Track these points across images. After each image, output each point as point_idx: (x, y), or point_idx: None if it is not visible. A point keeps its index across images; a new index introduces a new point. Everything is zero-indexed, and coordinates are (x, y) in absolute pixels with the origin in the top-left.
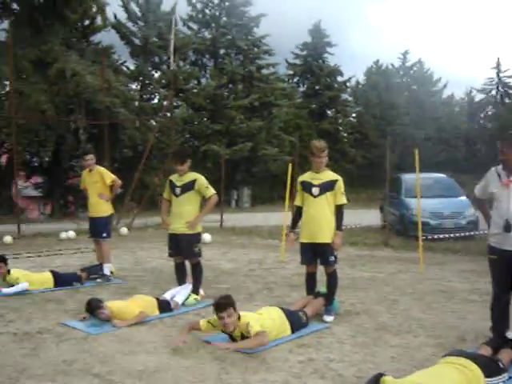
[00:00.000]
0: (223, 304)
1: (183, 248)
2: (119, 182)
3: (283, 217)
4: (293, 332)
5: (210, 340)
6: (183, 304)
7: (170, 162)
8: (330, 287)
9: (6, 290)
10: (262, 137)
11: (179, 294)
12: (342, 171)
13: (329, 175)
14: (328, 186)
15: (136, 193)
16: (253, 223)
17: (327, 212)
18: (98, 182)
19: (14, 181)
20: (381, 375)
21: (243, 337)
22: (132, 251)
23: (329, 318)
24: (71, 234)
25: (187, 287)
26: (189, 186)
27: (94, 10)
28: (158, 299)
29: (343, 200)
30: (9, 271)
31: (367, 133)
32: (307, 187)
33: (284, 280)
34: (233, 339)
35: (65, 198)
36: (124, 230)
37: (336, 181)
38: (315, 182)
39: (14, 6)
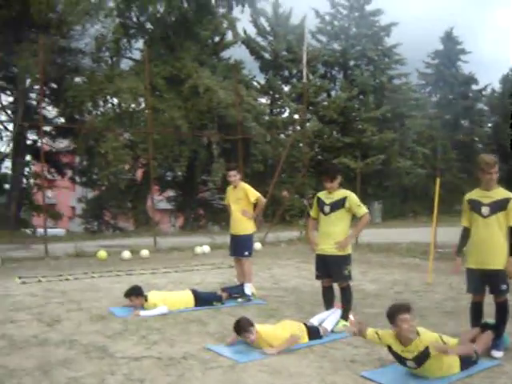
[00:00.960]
0: None
1: (332, 270)
2: (264, 200)
3: (426, 233)
4: (461, 370)
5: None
6: (332, 331)
7: (324, 179)
8: (501, 318)
9: (144, 313)
10: (395, 149)
11: (328, 319)
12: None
13: (501, 193)
14: (499, 206)
15: (268, 208)
16: (387, 239)
17: (499, 234)
18: (242, 199)
19: (150, 195)
20: None
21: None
22: (268, 268)
23: (498, 354)
24: (206, 248)
25: (336, 312)
26: (339, 204)
27: (225, 26)
28: (306, 325)
29: None
30: (146, 298)
31: (504, 144)
32: (476, 206)
33: (436, 306)
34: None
35: (196, 212)
36: (258, 245)
37: (509, 199)
38: (485, 201)
39: (148, 25)
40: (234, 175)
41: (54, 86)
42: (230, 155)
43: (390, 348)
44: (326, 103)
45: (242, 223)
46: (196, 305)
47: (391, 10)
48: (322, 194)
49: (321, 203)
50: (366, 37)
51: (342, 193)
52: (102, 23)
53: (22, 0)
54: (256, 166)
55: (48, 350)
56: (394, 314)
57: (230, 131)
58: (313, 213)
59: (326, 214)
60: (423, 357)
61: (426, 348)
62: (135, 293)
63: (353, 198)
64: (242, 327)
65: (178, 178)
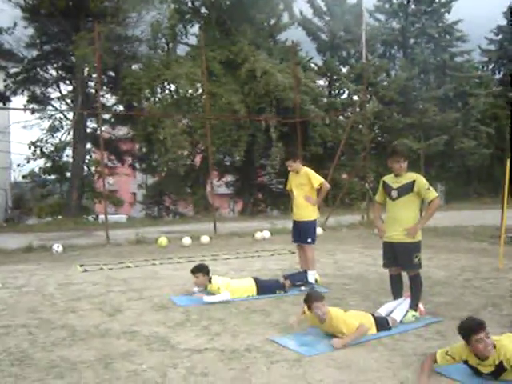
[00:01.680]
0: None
1: (401, 258)
2: (328, 185)
3: (491, 216)
4: None
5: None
6: (401, 322)
7: (389, 161)
8: None
9: (207, 298)
10: (458, 129)
11: (396, 309)
12: None
13: None
14: None
15: (328, 192)
16: (452, 222)
17: None
18: (306, 184)
19: (209, 180)
20: None
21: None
22: (330, 254)
23: None
24: (266, 234)
25: (405, 302)
26: (407, 188)
27: (281, 7)
28: (373, 315)
29: None
30: (210, 280)
31: None
32: None
33: (510, 294)
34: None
35: (255, 196)
36: (319, 230)
37: None
38: None
39: (203, 10)
40: (290, 165)
41: (112, 73)
42: (288, 138)
43: (465, 361)
44: (385, 83)
45: (306, 209)
46: (258, 293)
47: None
48: (388, 178)
49: (387, 187)
50: (425, 14)
51: (410, 176)
52: (157, 9)
53: None
54: (315, 149)
55: (109, 341)
56: (468, 334)
57: (288, 114)
58: (378, 197)
59: (393, 199)
60: (500, 370)
61: (501, 362)
62: (203, 271)
63: (421, 181)
64: (315, 297)
65: (237, 162)
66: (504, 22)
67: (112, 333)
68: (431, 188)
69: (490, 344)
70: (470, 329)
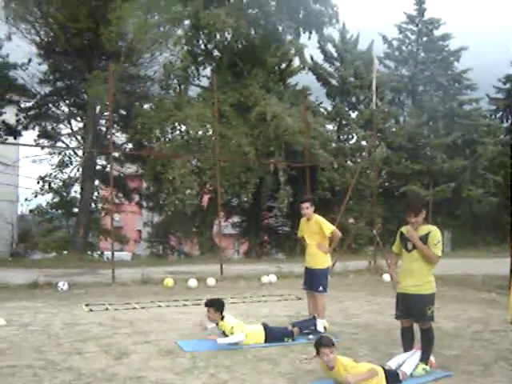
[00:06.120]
0: None
1: (415, 310)
2: (339, 233)
3: (499, 264)
4: None
5: None
6: (411, 375)
7: (407, 213)
8: None
9: (221, 341)
10: (466, 176)
11: (407, 362)
12: None
13: None
14: None
15: None
16: (458, 271)
17: None
18: (317, 233)
19: (217, 221)
20: None
21: None
22: (338, 300)
23: None
24: (273, 277)
25: (415, 355)
26: (422, 241)
27: (292, 52)
28: (383, 368)
29: None
30: (222, 317)
31: None
32: None
33: None
34: None
35: (261, 238)
36: None
37: None
38: None
39: (216, 52)
40: (306, 207)
41: (123, 112)
42: (296, 182)
43: None
44: (394, 129)
45: (318, 257)
46: (266, 340)
47: (461, 34)
48: (405, 229)
49: (404, 239)
50: (434, 62)
51: (426, 228)
52: (170, 51)
53: (93, 29)
54: (323, 193)
55: None
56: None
57: (297, 158)
58: (395, 248)
59: (409, 251)
60: None
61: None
62: (214, 306)
63: (434, 234)
64: (324, 343)
65: (244, 204)
66: None
67: (118, 378)
68: (439, 245)
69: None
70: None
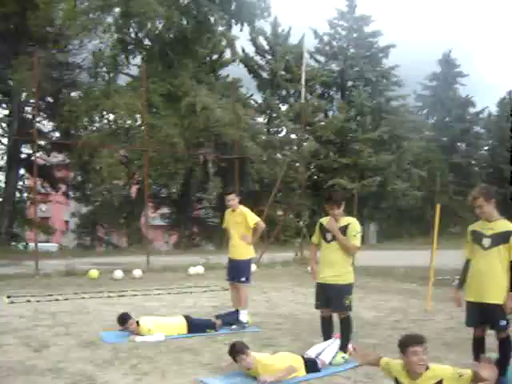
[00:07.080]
0: None
1: (332, 300)
2: (263, 224)
3: (422, 257)
4: None
5: None
6: (330, 363)
7: (328, 206)
8: (503, 355)
9: (140, 339)
10: (392, 171)
11: (326, 351)
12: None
13: (502, 225)
14: (502, 238)
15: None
16: (383, 262)
17: (498, 267)
18: (241, 223)
19: (144, 212)
20: None
21: None
22: (263, 291)
23: None
24: (200, 269)
25: (335, 343)
26: (342, 232)
27: (224, 44)
28: (303, 357)
29: None
30: (137, 323)
31: (501, 167)
32: (478, 238)
33: (436, 336)
34: None
35: (190, 230)
36: (252, 267)
37: (511, 232)
38: (487, 233)
39: (146, 41)
40: (232, 199)
41: (50, 100)
42: (225, 174)
43: (396, 380)
44: (323, 123)
45: (241, 248)
46: (189, 331)
47: (390, 31)
48: (324, 220)
49: (323, 230)
50: (364, 58)
51: (346, 220)
52: (100, 38)
53: (19, 13)
54: (251, 185)
55: (34, 379)
56: (405, 344)
57: (227, 150)
58: (315, 239)
59: (328, 242)
60: None
61: (439, 382)
62: (126, 320)
63: (354, 226)
64: (237, 350)
65: (173, 195)
66: (439, 69)
67: (37, 370)
68: (358, 236)
69: (425, 361)
70: (409, 340)
